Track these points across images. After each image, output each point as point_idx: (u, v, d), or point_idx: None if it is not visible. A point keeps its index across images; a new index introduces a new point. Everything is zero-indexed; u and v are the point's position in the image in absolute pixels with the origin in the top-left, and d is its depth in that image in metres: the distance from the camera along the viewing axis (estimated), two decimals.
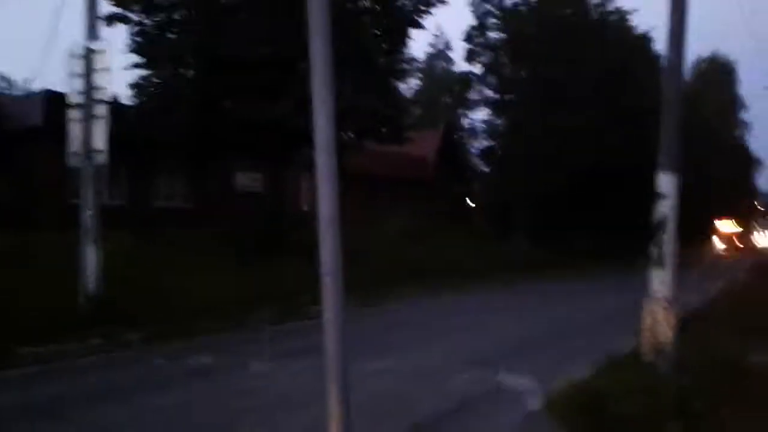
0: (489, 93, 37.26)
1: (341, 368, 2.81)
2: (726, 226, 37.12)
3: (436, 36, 52.43)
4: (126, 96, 18.22)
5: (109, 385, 7.26)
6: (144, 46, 17.17)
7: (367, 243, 19.60)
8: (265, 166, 18.75)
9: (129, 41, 17.15)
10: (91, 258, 10.19)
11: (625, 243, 33.87)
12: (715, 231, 40.65)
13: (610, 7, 35.36)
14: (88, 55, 10.66)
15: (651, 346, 6.26)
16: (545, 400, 5.31)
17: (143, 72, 17.58)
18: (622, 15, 35.89)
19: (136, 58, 17.19)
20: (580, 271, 26.39)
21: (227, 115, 16.81)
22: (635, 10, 35.66)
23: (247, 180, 18.51)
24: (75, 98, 10.71)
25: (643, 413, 4.74)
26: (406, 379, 6.91)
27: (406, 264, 18.56)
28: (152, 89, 17.80)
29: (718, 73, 68.12)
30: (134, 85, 17.86)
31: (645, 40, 36.31)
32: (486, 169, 39.75)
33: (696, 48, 62.20)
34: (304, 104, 13.58)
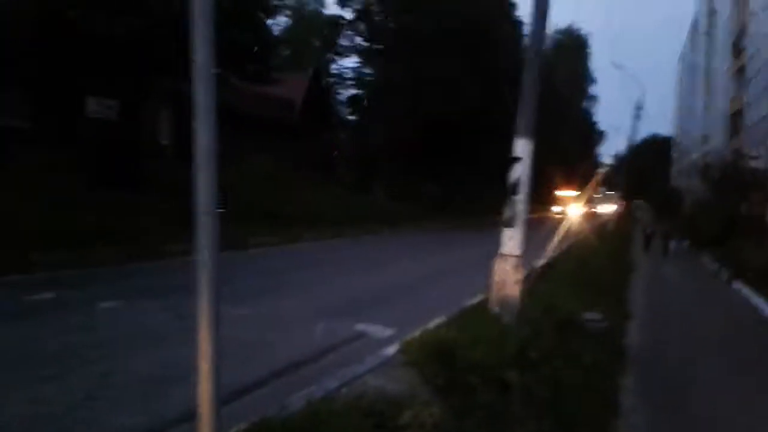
0: (359, 41, 37.13)
1: (213, 307, 2.75)
2: (567, 193, 40.15)
3: None
4: None
5: None
6: None
7: (229, 183, 19.08)
8: (121, 94, 17.47)
9: None
10: None
11: (479, 198, 35.73)
12: (557, 197, 43.90)
13: None
14: None
15: (498, 300, 6.66)
16: (400, 348, 5.53)
17: None
18: None
19: None
20: (434, 224, 27.45)
21: (74, 28, 15.31)
22: None
23: (99, 106, 17.16)
24: None
25: (487, 361, 5.08)
26: (265, 327, 6.89)
27: (267, 208, 18.34)
28: None
29: (572, 46, 72.39)
30: None
31: (506, 4, 37.79)
32: (352, 118, 39.83)
33: (554, 20, 65.53)
34: (167, 23, 12.55)
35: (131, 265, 11.00)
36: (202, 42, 2.75)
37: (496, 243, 6.74)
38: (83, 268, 10.10)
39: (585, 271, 11.29)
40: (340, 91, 41.07)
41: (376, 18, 35.65)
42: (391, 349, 5.66)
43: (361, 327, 7.16)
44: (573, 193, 39.51)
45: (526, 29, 33.24)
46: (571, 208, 32.45)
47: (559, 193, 44.44)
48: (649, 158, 71.14)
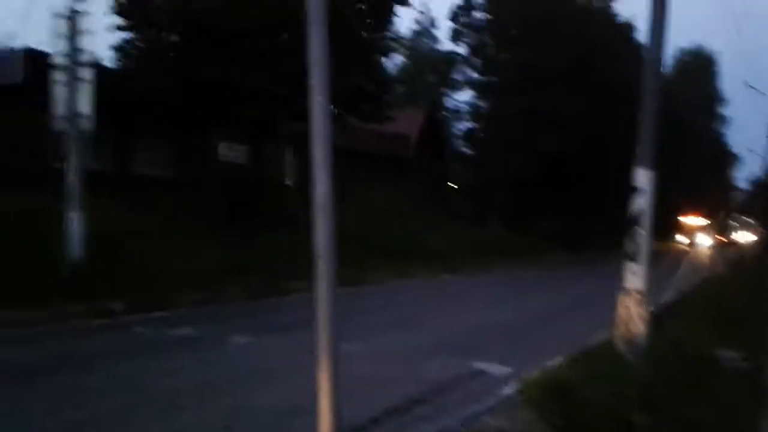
0: (473, 74, 37.34)
1: (332, 347, 2.94)
2: (694, 220, 37.07)
3: (422, 13, 52.18)
4: (108, 58, 17.97)
5: (87, 352, 7.32)
6: (127, 7, 16.91)
7: (344, 220, 19.65)
8: (248, 138, 18.67)
9: (112, 2, 16.89)
10: (75, 224, 10.15)
11: (598, 231, 34.52)
12: (683, 226, 41.04)
13: None
14: (73, 16, 10.50)
15: (623, 337, 6.45)
16: (519, 386, 5.49)
17: (126, 35, 17.35)
18: (606, 1, 36.12)
19: (118, 20, 16.95)
20: (552, 258, 26.81)
21: (208, 82, 16.65)
22: None
23: (229, 151, 18.42)
24: (59, 59, 10.57)
25: (610, 402, 4.93)
26: (379, 362, 7.01)
27: (381, 243, 18.68)
28: (135, 52, 17.57)
29: (700, 67, 68.73)
30: (117, 48, 17.61)
31: (628, 28, 36.63)
32: (467, 151, 39.92)
33: (679, 40, 62.73)
34: (285, 75, 13.47)
35: (259, 302, 11.61)
36: (319, 111, 2.98)
37: (618, 277, 6.55)
38: (217, 306, 10.79)
39: (720, 306, 10.62)
40: (455, 124, 41.39)
41: (490, 51, 35.77)
42: (510, 388, 5.62)
43: (478, 365, 7.14)
44: (701, 220, 36.79)
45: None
46: (700, 237, 30.42)
47: (685, 220, 41.17)
48: None
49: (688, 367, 6.36)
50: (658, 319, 7.60)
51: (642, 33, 35.20)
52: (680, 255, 23.41)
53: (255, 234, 15.51)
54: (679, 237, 40.18)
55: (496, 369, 7.02)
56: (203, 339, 8.24)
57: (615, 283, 6.70)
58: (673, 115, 35.02)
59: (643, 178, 6.86)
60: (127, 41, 17.46)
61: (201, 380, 6.11)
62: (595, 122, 30.49)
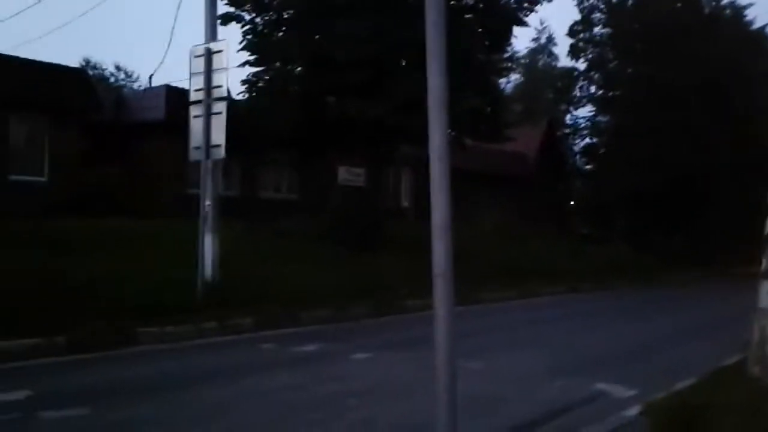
0: (592, 89, 36.40)
1: (450, 363, 3.08)
2: None
3: (539, 30, 51.60)
4: (237, 92, 19.19)
5: (218, 367, 7.82)
6: (255, 44, 18.01)
7: (464, 240, 19.71)
8: (366, 162, 19.27)
9: (242, 39, 18.07)
10: (209, 246, 10.95)
11: (726, 250, 32.33)
12: None
13: (724, 0, 33.67)
14: (208, 54, 11.38)
15: (758, 361, 6.11)
16: (642, 410, 5.35)
17: (254, 69, 18.46)
18: (737, 9, 34.04)
19: (247, 56, 18.09)
20: (678, 277, 25.46)
21: (330, 111, 17.40)
22: (751, 4, 33.82)
23: (349, 174, 19.10)
24: (195, 95, 11.49)
25: (743, 430, 4.70)
26: (499, 382, 7.03)
27: (501, 263, 18.55)
28: (262, 85, 18.64)
29: None
30: (246, 82, 18.77)
31: (761, 35, 34.31)
32: (587, 168, 38.83)
33: None
34: (403, 103, 13.99)
35: (379, 320, 11.93)
36: (437, 127, 3.16)
37: (752, 297, 6.22)
38: (339, 323, 11.21)
39: None
40: (575, 141, 40.41)
41: (611, 65, 34.76)
42: (633, 411, 5.49)
43: (600, 386, 6.98)
44: None
45: None
46: None
47: None
48: None
49: None
50: None
51: None
52: None
53: (375, 254, 15.95)
54: None
55: (619, 390, 6.84)
56: (328, 355, 8.62)
57: (748, 303, 6.37)
58: None
59: None
60: (255, 75, 18.58)
61: (325, 395, 6.41)
62: (726, 136, 28.75)
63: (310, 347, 9.00)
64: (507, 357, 8.67)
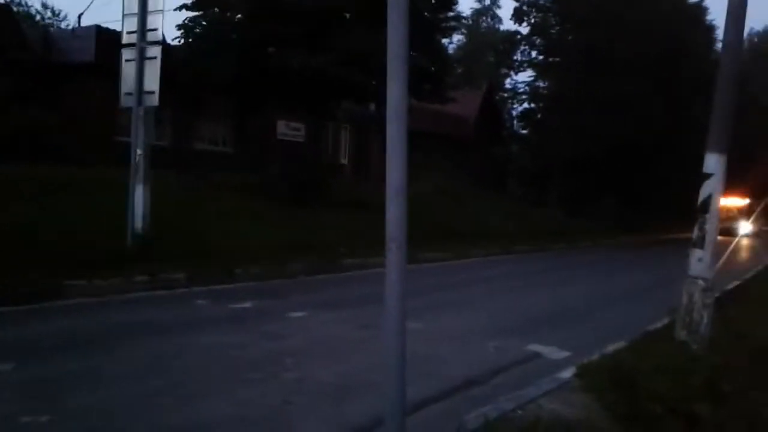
0: (534, 54, 36.66)
1: (400, 327, 2.97)
2: (734, 200, 32.04)
3: None
4: (173, 37, 18.39)
5: (150, 322, 7.57)
6: None
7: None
8: (306, 117, 18.88)
9: None
10: (139, 197, 10.52)
11: (659, 216, 33.59)
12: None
13: None
14: None
15: (685, 325, 6.31)
16: (576, 371, 5.44)
17: (191, 14, 17.68)
18: None
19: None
20: (611, 241, 26.30)
21: (271, 62, 16.87)
22: None
23: (288, 129, 18.70)
24: (128, 38, 10.88)
25: (672, 392, 4.84)
26: (436, 342, 7.06)
27: (439, 224, 18.68)
28: (199, 31, 17.90)
29: None
30: (182, 27, 17.98)
31: (699, 9, 35.19)
32: (525, 132, 39.37)
33: (749, 22, 59.88)
34: (348, 57, 13.71)
35: (316, 278, 11.81)
36: (396, 83, 2.97)
37: (681, 263, 6.39)
38: (276, 280, 11.02)
39: None
40: (514, 105, 40.81)
41: (553, 31, 34.98)
42: (567, 373, 5.58)
43: (534, 347, 7.11)
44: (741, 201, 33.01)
45: (720, 34, 30.84)
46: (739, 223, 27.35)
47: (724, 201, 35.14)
48: None
49: (753, 356, 6.18)
50: (722, 307, 7.40)
51: (714, 15, 33.90)
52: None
53: (314, 211, 15.74)
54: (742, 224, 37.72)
55: (553, 352, 6.98)
56: (264, 312, 8.44)
57: (677, 270, 6.55)
58: (745, 99, 33.64)
59: (714, 162, 6.65)
60: (192, 20, 17.79)
61: (261, 354, 6.27)
62: (663, 106, 29.50)
63: (245, 304, 8.81)
64: (444, 317, 8.71)
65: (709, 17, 36.12)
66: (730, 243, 17.03)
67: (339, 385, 5.39)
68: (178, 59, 16.79)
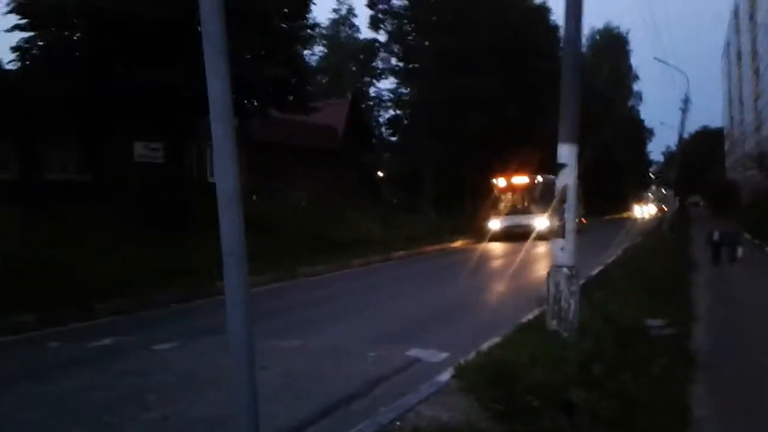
0: (393, 62, 37.31)
1: (247, 352, 2.69)
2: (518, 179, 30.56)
3: (339, 1, 51.82)
4: (8, 61, 16.89)
5: None
6: (23, 5, 15.88)
7: (275, 213, 19.29)
8: (165, 136, 17.94)
9: (9, 0, 15.83)
10: None
11: None
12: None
13: None
14: None
15: (555, 314, 6.44)
16: (454, 372, 5.37)
17: (25, 34, 16.29)
18: None
19: (16, 19, 15.91)
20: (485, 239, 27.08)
21: (119, 80, 15.85)
22: None
23: (146, 150, 17.63)
24: None
25: (548, 380, 4.87)
26: (318, 358, 6.81)
27: (314, 235, 18.41)
28: (36, 52, 16.55)
29: (612, 45, 71.15)
30: (16, 49, 16.53)
31: (542, 10, 37.47)
32: (393, 139, 39.94)
33: (590, 19, 64.62)
34: (199, 70, 13.03)
35: (188, 305, 11.15)
36: (216, 79, 2.71)
37: (548, 254, 6.53)
38: (141, 311, 10.28)
39: (643, 275, 10.88)
40: (381, 113, 41.32)
41: (410, 38, 35.74)
42: (446, 375, 5.50)
43: (414, 352, 7.01)
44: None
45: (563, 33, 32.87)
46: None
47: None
48: (700, 152, 69.04)
49: (620, 339, 6.41)
50: (588, 294, 7.66)
51: (557, 15, 36.22)
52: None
53: (180, 236, 14.92)
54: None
55: (432, 355, 6.91)
56: (125, 348, 7.78)
57: (545, 260, 6.68)
58: (589, 92, 36.00)
59: (566, 153, 6.86)
60: (27, 41, 16.41)
61: (121, 394, 5.72)
62: (518, 101, 30.97)
63: (105, 341, 8.10)
64: (323, 331, 8.45)
65: (553, 17, 38.44)
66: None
67: (212, 419, 4.98)
68: (15, 83, 15.42)
